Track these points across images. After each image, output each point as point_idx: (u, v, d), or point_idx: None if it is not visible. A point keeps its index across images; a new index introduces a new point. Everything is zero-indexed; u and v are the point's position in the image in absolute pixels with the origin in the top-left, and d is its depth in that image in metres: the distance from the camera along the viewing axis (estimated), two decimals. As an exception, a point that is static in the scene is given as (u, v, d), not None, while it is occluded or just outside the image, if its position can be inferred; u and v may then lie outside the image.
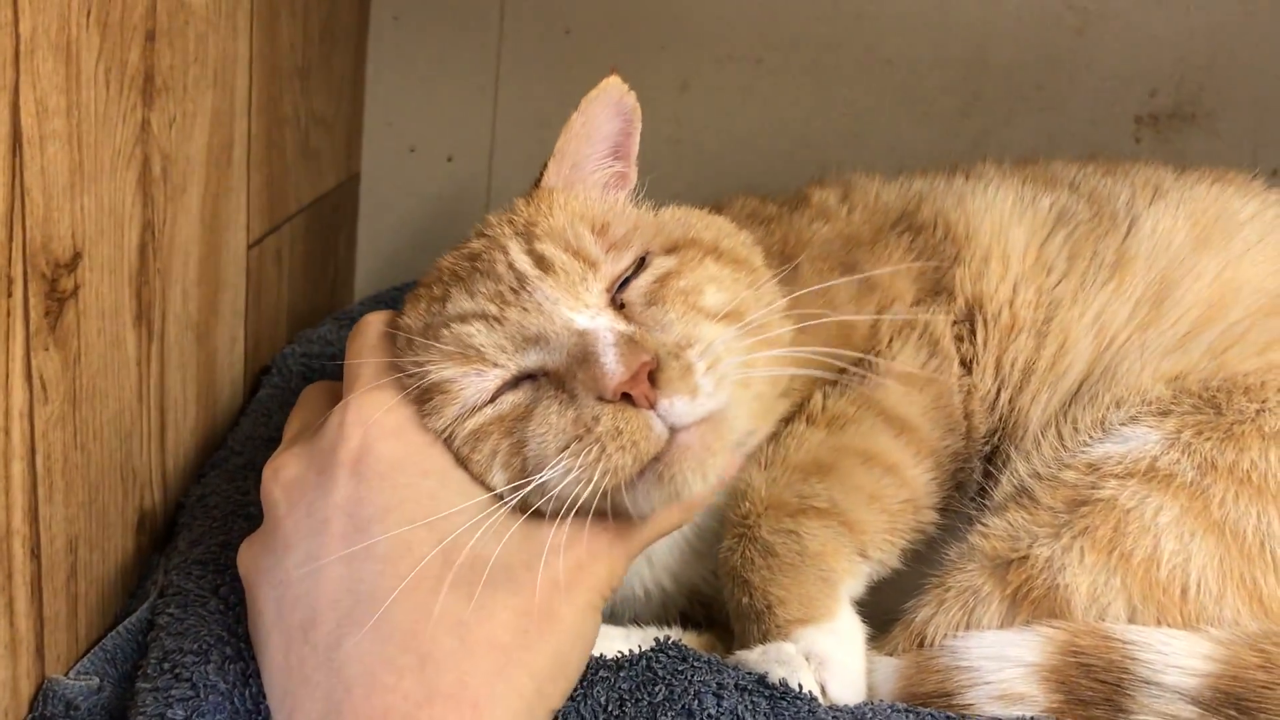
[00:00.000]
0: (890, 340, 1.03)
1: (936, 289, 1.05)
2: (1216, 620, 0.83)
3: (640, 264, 0.84)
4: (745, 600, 0.91)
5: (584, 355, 0.75)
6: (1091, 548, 0.86)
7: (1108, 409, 0.94)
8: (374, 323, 0.85)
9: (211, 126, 1.00)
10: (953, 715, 0.80)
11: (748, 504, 0.94)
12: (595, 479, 0.73)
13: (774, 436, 0.99)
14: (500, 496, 0.75)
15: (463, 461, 0.77)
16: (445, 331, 0.80)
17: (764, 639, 0.88)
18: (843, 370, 1.02)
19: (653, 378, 0.74)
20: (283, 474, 0.76)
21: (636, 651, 0.81)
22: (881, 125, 1.53)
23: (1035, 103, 1.52)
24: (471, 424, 0.77)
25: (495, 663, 0.66)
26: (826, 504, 0.92)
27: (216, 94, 1.00)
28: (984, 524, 0.92)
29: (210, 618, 0.79)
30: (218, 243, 1.05)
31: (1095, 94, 1.51)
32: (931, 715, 0.79)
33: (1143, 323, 0.98)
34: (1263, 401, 0.89)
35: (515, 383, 0.79)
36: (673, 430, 0.75)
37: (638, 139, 0.93)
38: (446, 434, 0.78)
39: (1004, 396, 1.01)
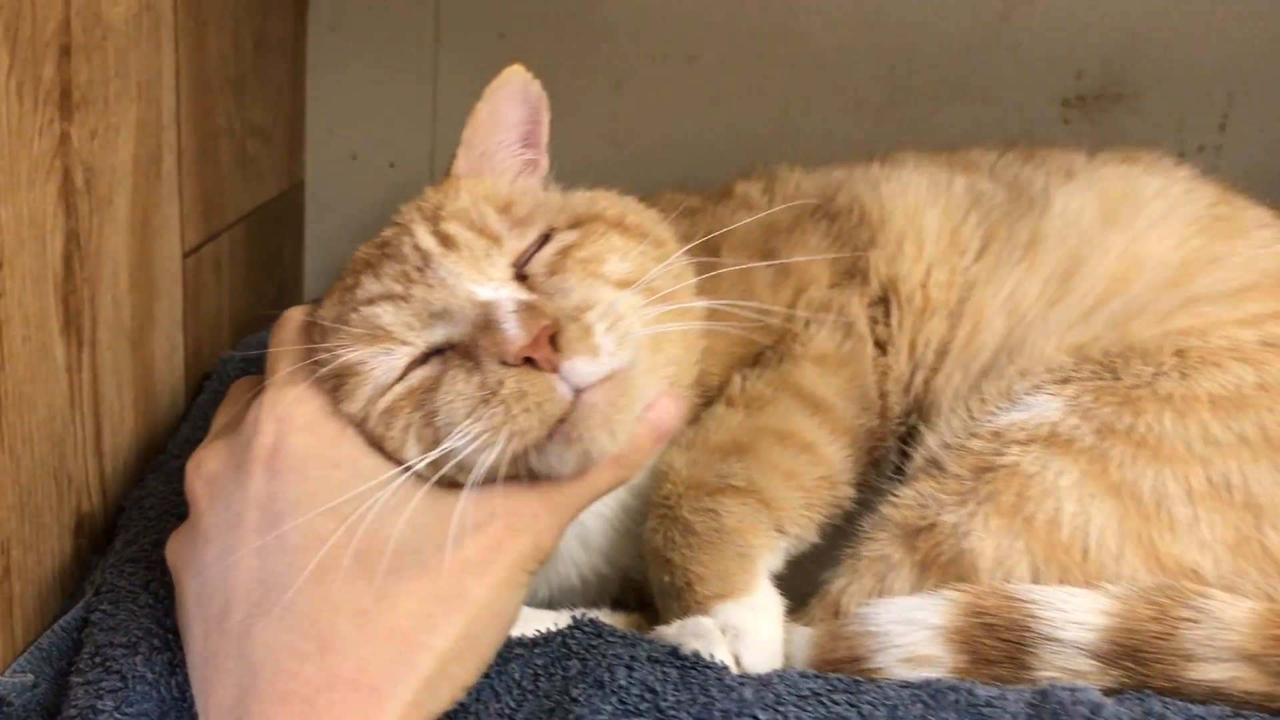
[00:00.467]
0: (807, 323, 1.05)
1: (852, 272, 1.08)
2: (1116, 577, 0.86)
3: (545, 239, 0.87)
4: (667, 579, 0.94)
5: (486, 323, 0.77)
6: (996, 512, 0.89)
7: (1013, 380, 0.97)
8: (294, 316, 0.88)
9: (137, 138, 1.02)
10: (859, 679, 0.82)
11: (669, 485, 0.97)
12: (502, 441, 0.75)
13: (696, 419, 1.02)
14: (416, 476, 0.78)
15: (378, 441, 0.80)
16: (354, 315, 0.82)
17: (684, 614, 0.91)
18: (760, 354, 1.05)
19: (554, 341, 0.76)
20: (204, 468, 0.79)
21: (554, 629, 0.84)
22: (813, 117, 1.56)
23: (964, 89, 1.55)
24: (384, 402, 0.79)
25: (396, 648, 0.68)
26: (744, 482, 0.95)
27: (142, 107, 1.03)
28: (895, 495, 0.95)
29: (140, 612, 0.82)
30: (149, 252, 1.07)
31: (1022, 78, 1.55)
32: (839, 680, 0.81)
33: (1051, 298, 1.01)
34: (1159, 365, 0.92)
35: (424, 358, 0.81)
36: (577, 391, 0.77)
37: (546, 127, 0.96)
38: (361, 416, 0.80)
39: (919, 377, 1.04)
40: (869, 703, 0.77)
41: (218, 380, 1.19)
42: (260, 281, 1.47)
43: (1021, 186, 1.09)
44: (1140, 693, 0.81)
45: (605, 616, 0.96)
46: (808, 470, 0.98)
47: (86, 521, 0.97)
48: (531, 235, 0.87)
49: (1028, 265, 1.02)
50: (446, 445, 0.76)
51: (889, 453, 1.03)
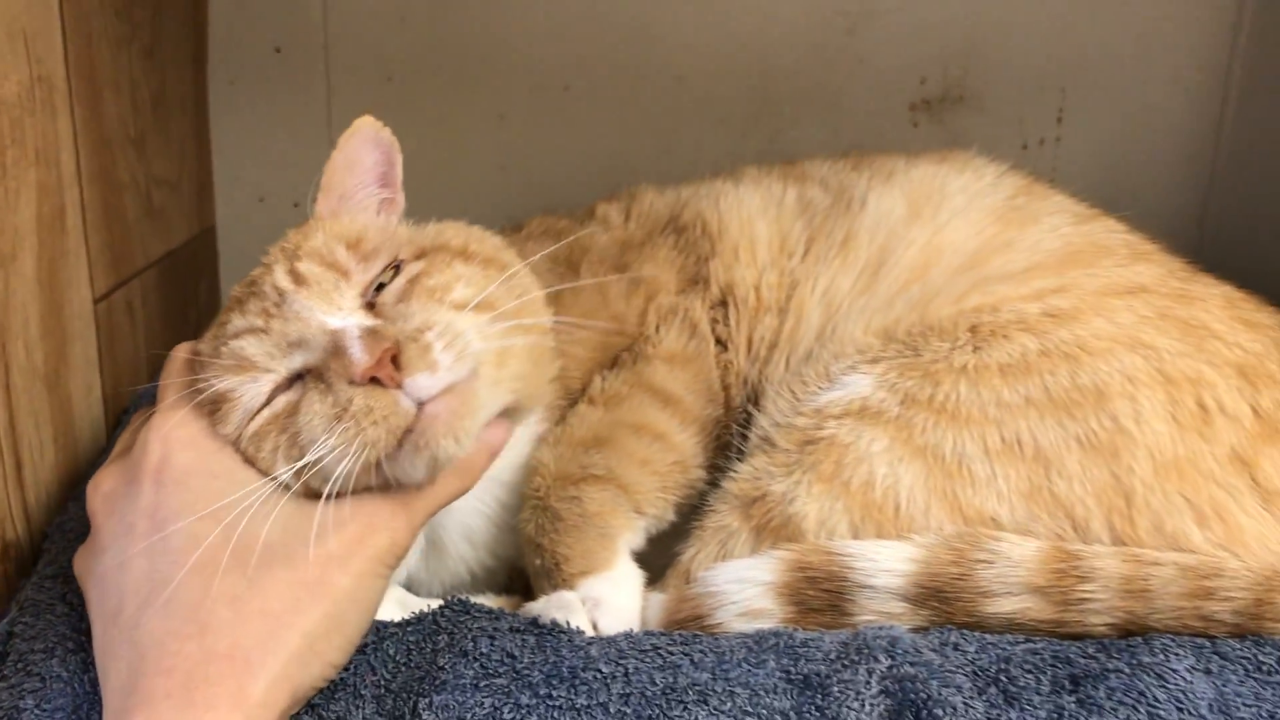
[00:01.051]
0: (657, 326, 1.18)
1: (696, 279, 1.21)
2: (925, 530, 0.97)
3: (395, 271, 0.97)
4: (539, 562, 1.05)
5: (335, 349, 0.87)
6: (817, 479, 1.01)
7: (829, 363, 1.09)
8: (180, 351, 0.98)
9: (39, 198, 1.12)
10: (696, 634, 0.94)
11: (539, 478, 1.08)
12: (354, 452, 0.84)
13: (563, 419, 1.13)
14: (286, 487, 0.89)
15: (250, 461, 0.90)
16: (225, 349, 0.92)
17: (553, 591, 1.03)
18: (617, 356, 1.17)
19: (396, 361, 0.86)
20: (101, 487, 0.90)
21: (426, 610, 0.95)
22: (683, 137, 1.69)
23: (819, 102, 1.68)
24: (253, 426, 0.90)
25: (267, 627, 0.79)
26: (604, 471, 1.07)
27: (41, 170, 1.13)
28: (734, 471, 1.07)
29: (57, 620, 0.92)
30: (59, 300, 1.17)
31: (871, 87, 1.68)
32: (678, 635, 0.92)
33: (862, 289, 1.14)
34: (954, 340, 1.04)
35: (288, 384, 0.91)
36: (420, 404, 0.86)
37: (400, 168, 1.06)
38: (235, 437, 0.91)
39: (755, 369, 1.16)
40: (700, 651, 0.89)
41: (134, 412, 1.29)
42: (177, 321, 1.57)
43: (844, 191, 1.22)
44: (943, 628, 0.93)
45: (490, 600, 1.07)
46: (661, 457, 1.10)
47: (12, 549, 1.07)
48: (378, 266, 0.96)
49: (841, 261, 1.15)
50: (309, 458, 0.86)
51: (733, 438, 1.15)
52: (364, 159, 1.04)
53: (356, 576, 0.84)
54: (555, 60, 1.68)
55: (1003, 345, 1.02)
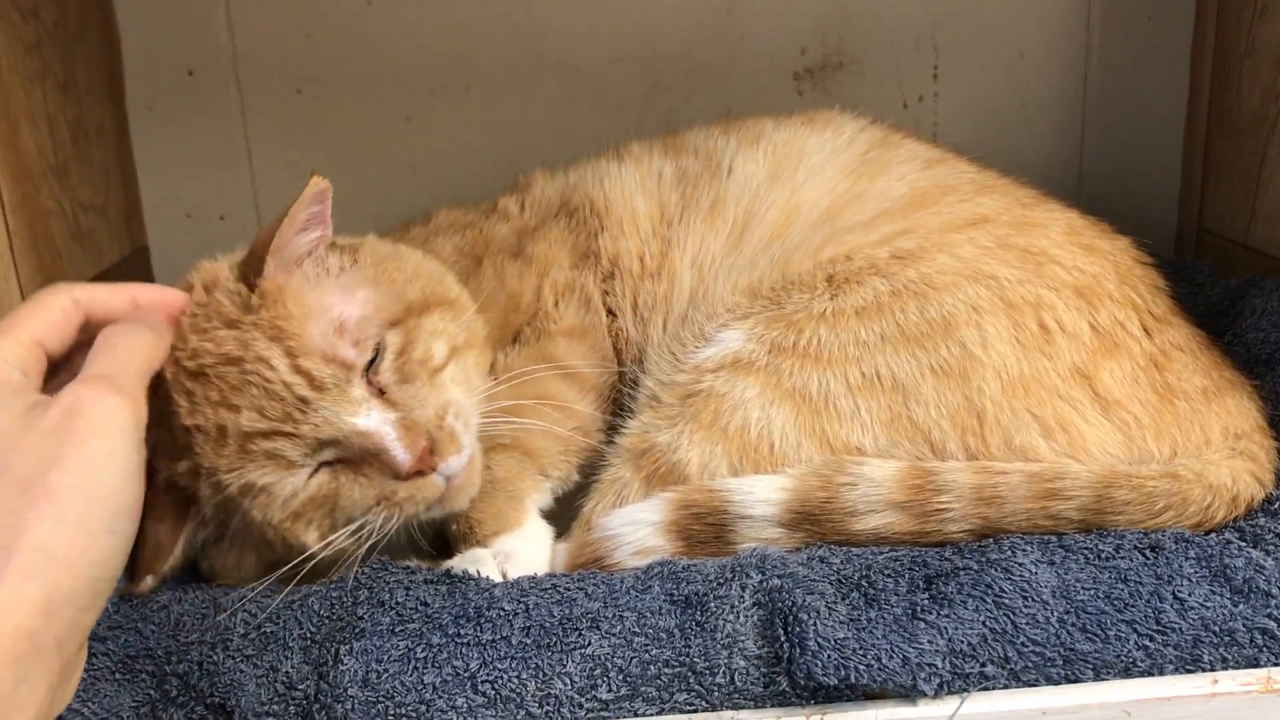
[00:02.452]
0: (556, 302, 1.28)
1: (587, 254, 1.30)
2: (797, 462, 1.08)
3: (379, 349, 1.05)
4: (456, 528, 1.15)
5: (376, 450, 1.00)
6: (698, 428, 1.11)
7: (703, 323, 1.19)
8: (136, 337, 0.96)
9: (-36, 231, 1.21)
10: (591, 572, 1.03)
11: None
12: (395, 523, 1.03)
13: None
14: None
15: (280, 535, 1.03)
16: (252, 446, 0.99)
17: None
18: (518, 331, 1.27)
19: (431, 449, 1.02)
20: None
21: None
22: (581, 124, 1.78)
23: (707, 79, 1.78)
24: (293, 507, 1.01)
25: None
26: (510, 440, 1.17)
27: (-36, 204, 1.22)
28: (626, 427, 1.17)
29: None
30: (-7, 325, 1.26)
31: (755, 61, 1.78)
32: (576, 574, 1.02)
33: (729, 250, 1.23)
34: (813, 291, 1.14)
35: (316, 470, 1.02)
36: (449, 478, 1.04)
37: (330, 203, 1.09)
38: (269, 521, 1.02)
39: (640, 332, 1.26)
40: (593, 584, 0.98)
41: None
42: (115, 339, 1.65)
43: (711, 158, 1.31)
44: (815, 545, 1.03)
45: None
46: (563, 424, 1.20)
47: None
48: (369, 351, 1.04)
49: (709, 225, 1.25)
50: (351, 529, 1.02)
51: (625, 399, 1.25)
52: (307, 215, 1.06)
53: None
54: (455, 62, 1.77)
55: (856, 290, 1.12)
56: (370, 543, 1.02)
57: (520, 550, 1.11)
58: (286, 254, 1.05)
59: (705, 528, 1.05)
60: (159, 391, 0.99)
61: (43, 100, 1.46)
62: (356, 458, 1.01)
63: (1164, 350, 1.14)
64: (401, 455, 1.00)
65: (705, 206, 1.27)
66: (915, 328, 1.09)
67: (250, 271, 1.04)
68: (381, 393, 1.03)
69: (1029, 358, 1.08)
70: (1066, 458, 1.06)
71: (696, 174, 1.31)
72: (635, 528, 1.07)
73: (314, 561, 1.02)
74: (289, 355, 1.00)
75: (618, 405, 1.26)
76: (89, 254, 1.57)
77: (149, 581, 1.03)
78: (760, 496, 1.05)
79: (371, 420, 1.00)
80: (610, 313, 1.29)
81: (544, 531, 1.15)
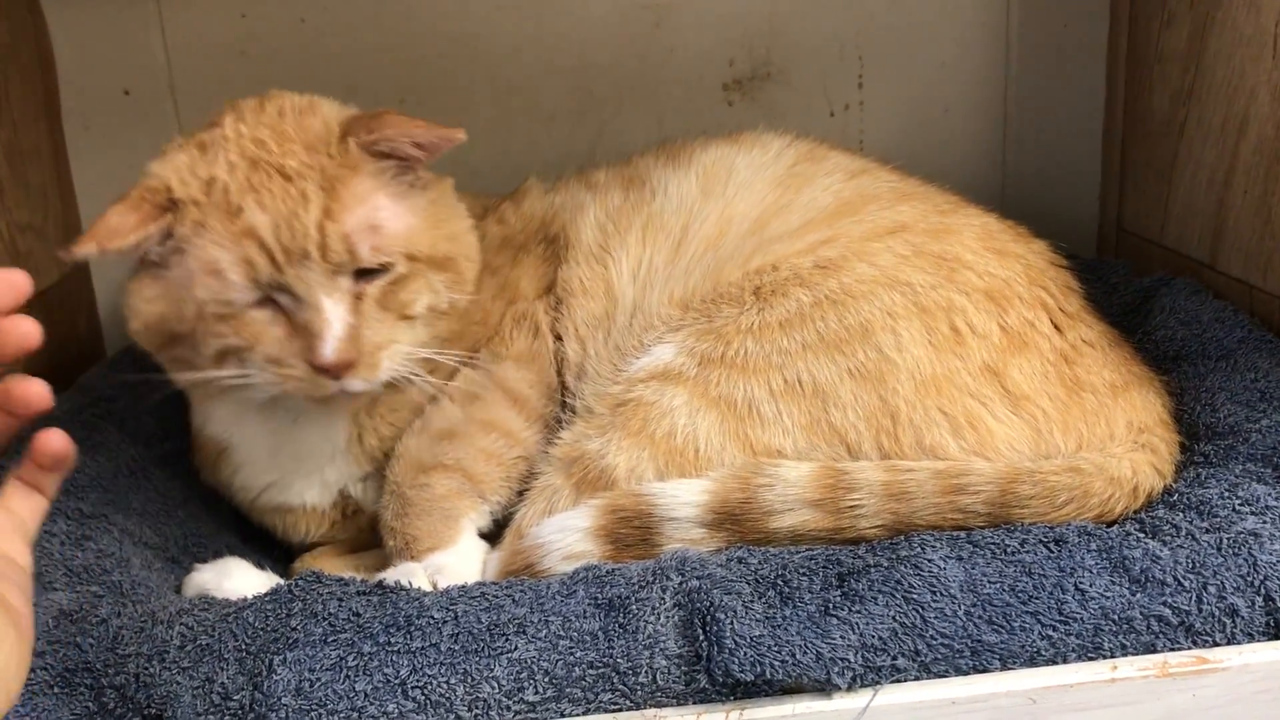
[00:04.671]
0: (510, 331, 1.32)
1: (550, 287, 1.35)
2: (721, 466, 1.12)
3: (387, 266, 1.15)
4: (393, 543, 1.19)
5: (314, 332, 1.11)
6: (626, 435, 1.15)
7: (641, 335, 1.24)
8: None
9: (-100, 255, 1.22)
10: (519, 579, 1.07)
11: (398, 467, 1.23)
12: (272, 392, 1.15)
13: (423, 411, 1.27)
14: None
15: (182, 323, 1.15)
16: (246, 240, 1.11)
17: None
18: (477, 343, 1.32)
19: (349, 366, 1.11)
20: None
21: (283, 584, 1.07)
22: (515, 135, 1.81)
23: (638, 92, 1.81)
24: (222, 311, 1.13)
25: None
26: (452, 462, 1.22)
27: (-101, 229, 1.23)
28: (559, 438, 1.21)
29: None
30: (-70, 349, 1.27)
31: (685, 73, 1.81)
32: (505, 582, 1.05)
33: (665, 265, 1.28)
34: (741, 304, 1.18)
35: (265, 300, 1.13)
36: (341, 390, 1.13)
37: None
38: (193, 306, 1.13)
39: (579, 349, 1.30)
40: (520, 591, 1.02)
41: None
42: (57, 353, 1.66)
43: (647, 181, 1.36)
44: (736, 546, 1.07)
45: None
46: (506, 452, 1.25)
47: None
48: (377, 262, 1.14)
49: (645, 244, 1.30)
50: (242, 371, 1.14)
51: (563, 417, 1.29)
52: (429, 140, 1.21)
53: None
54: (388, 77, 1.79)
55: (781, 303, 1.17)
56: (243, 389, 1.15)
57: (451, 566, 1.15)
58: (391, 146, 1.18)
59: (632, 531, 1.09)
60: (218, 125, 1.19)
61: (-24, 124, 1.48)
62: (298, 323, 1.12)
63: (1074, 346, 1.19)
64: (327, 352, 1.10)
65: (639, 225, 1.32)
66: (835, 334, 1.14)
67: (357, 129, 1.18)
68: (358, 298, 1.13)
69: (941, 359, 1.13)
70: (975, 455, 1.11)
71: (635, 199, 1.36)
72: (564, 534, 1.10)
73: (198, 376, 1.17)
74: (324, 212, 1.12)
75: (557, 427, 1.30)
76: (29, 274, 1.58)
77: (90, 248, 1.12)
78: (684, 499, 1.09)
79: (334, 312, 1.11)
80: (557, 338, 1.33)
81: (477, 548, 1.20)
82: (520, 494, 1.25)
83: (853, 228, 1.23)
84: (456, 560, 1.17)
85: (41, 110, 1.72)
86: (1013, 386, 1.13)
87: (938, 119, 1.88)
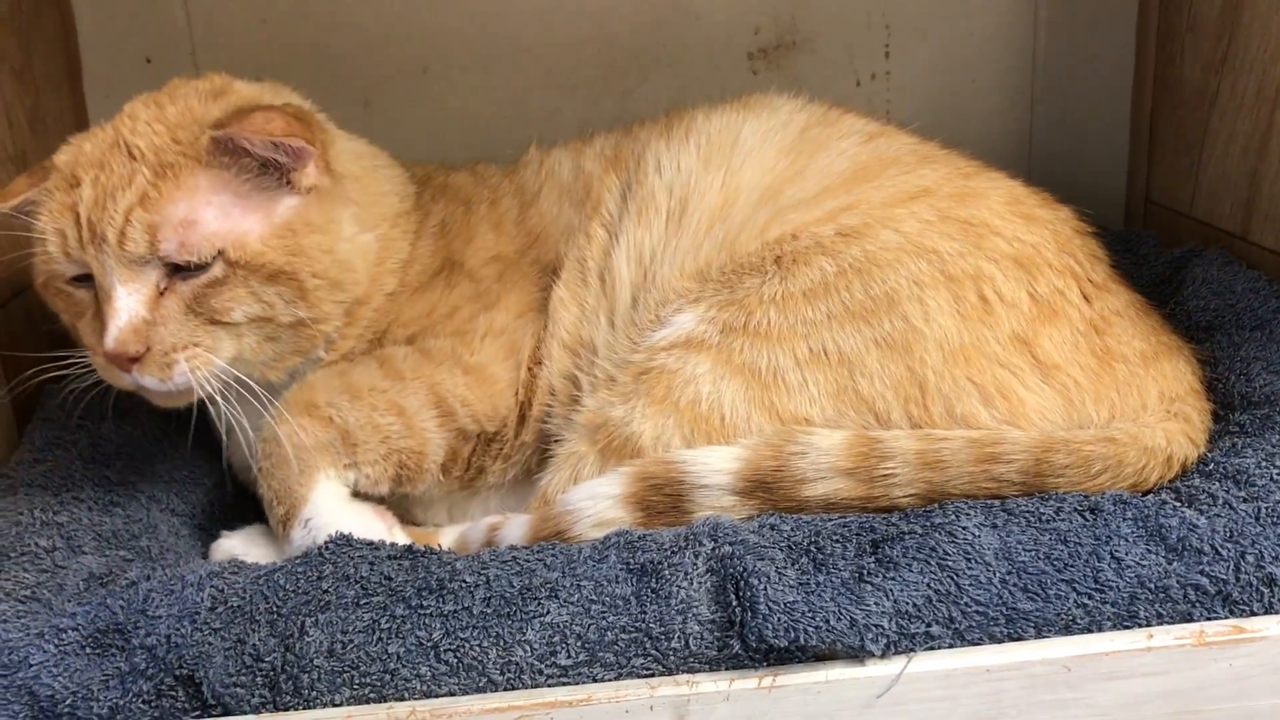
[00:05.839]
0: (485, 335, 1.30)
1: (542, 307, 1.33)
2: (748, 433, 1.11)
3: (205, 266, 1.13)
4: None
5: (104, 319, 1.11)
6: (651, 402, 1.14)
7: (657, 308, 1.22)
8: None
9: (-76, 218, 1.22)
10: (550, 544, 1.06)
11: (291, 394, 1.25)
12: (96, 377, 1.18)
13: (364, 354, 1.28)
14: None
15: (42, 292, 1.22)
16: (78, 210, 1.14)
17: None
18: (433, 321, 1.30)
19: (137, 360, 1.10)
20: None
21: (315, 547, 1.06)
22: (538, 107, 1.80)
23: (662, 60, 1.80)
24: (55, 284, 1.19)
25: None
26: (340, 420, 1.21)
27: (-77, 188, 1.22)
28: (582, 405, 1.20)
29: None
30: (-44, 313, 1.27)
31: (709, 42, 1.80)
32: (536, 547, 1.05)
33: (669, 238, 1.26)
34: (763, 273, 1.17)
35: (82, 277, 1.15)
36: (140, 386, 1.13)
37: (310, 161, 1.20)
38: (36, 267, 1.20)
39: (587, 332, 1.28)
40: (551, 555, 1.01)
41: (43, 411, 1.38)
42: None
43: (643, 159, 1.34)
44: (767, 513, 1.06)
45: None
46: (399, 439, 1.23)
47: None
48: (189, 259, 1.12)
49: (640, 222, 1.28)
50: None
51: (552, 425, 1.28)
52: (283, 142, 1.16)
53: None
54: (413, 45, 1.78)
55: (804, 271, 1.15)
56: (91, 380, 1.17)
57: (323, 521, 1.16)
58: (240, 144, 1.15)
59: (663, 498, 1.08)
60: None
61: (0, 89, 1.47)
62: (101, 305, 1.12)
63: (1103, 316, 1.18)
64: (109, 340, 1.10)
65: (634, 206, 1.30)
66: (860, 304, 1.13)
67: (223, 122, 1.15)
68: (162, 293, 1.12)
69: (969, 328, 1.12)
70: (1006, 424, 1.09)
71: (634, 176, 1.34)
72: (595, 501, 1.09)
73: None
74: (140, 198, 1.12)
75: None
76: (50, 242, 1.58)
77: None
78: (715, 466, 1.08)
79: (124, 302, 1.11)
80: (537, 363, 1.30)
81: (337, 497, 1.19)
82: (400, 482, 1.24)
83: (873, 193, 1.21)
84: (323, 516, 1.16)
85: (64, 77, 1.71)
86: (1043, 356, 1.12)
87: (965, 89, 1.86)
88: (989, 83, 1.87)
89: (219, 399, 1.15)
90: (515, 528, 1.12)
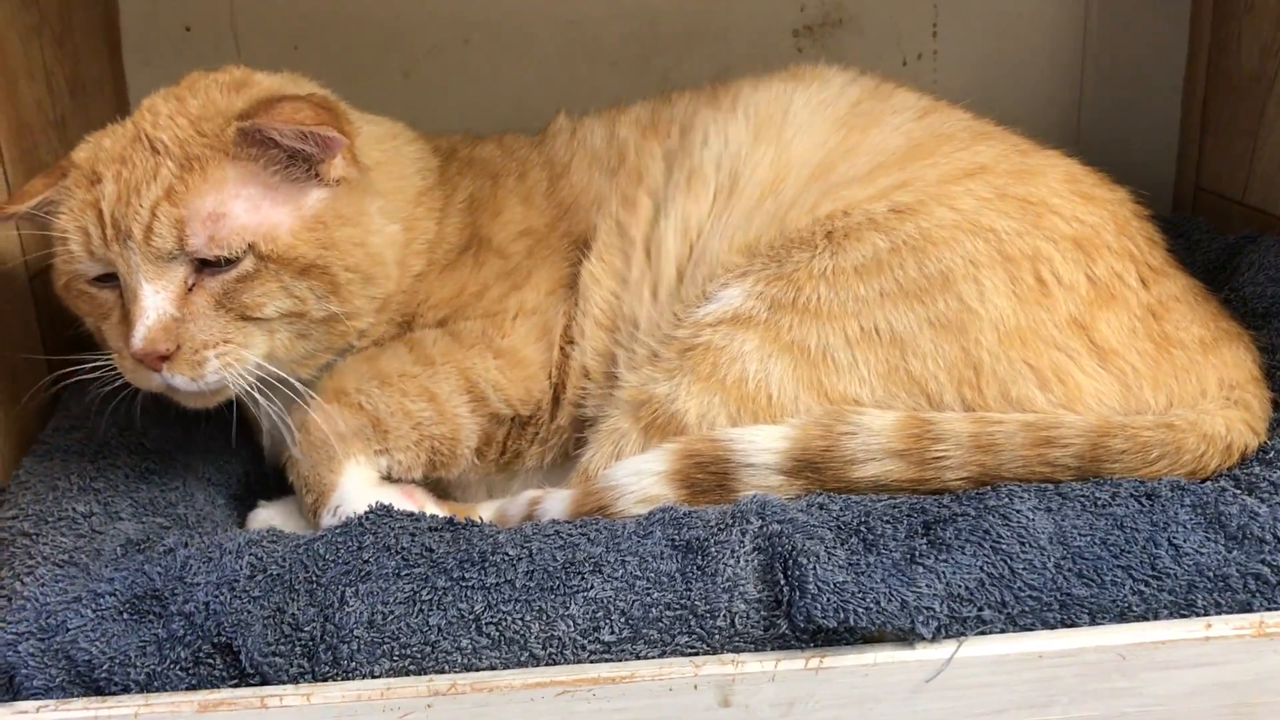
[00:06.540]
0: (516, 316, 1.27)
1: (572, 283, 1.30)
2: (795, 413, 1.09)
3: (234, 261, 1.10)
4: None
5: (132, 317, 1.08)
6: (696, 380, 1.12)
7: (704, 283, 1.20)
8: None
9: (-36, 180, 1.21)
10: (593, 519, 1.04)
11: (326, 380, 1.24)
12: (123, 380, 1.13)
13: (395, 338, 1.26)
14: None
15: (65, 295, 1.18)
16: (101, 207, 1.10)
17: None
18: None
19: (167, 358, 1.07)
20: None
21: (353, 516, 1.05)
22: (579, 82, 1.78)
23: (705, 36, 1.77)
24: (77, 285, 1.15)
25: None
26: (370, 407, 1.20)
27: (-36, 154, 1.21)
28: (624, 382, 1.18)
29: (20, 551, 1.04)
30: (-5, 276, 1.26)
31: (753, 18, 1.77)
32: (578, 521, 1.03)
33: (718, 213, 1.24)
34: (813, 248, 1.14)
35: (106, 277, 1.12)
36: (170, 385, 1.09)
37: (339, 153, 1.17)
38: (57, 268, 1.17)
39: (629, 307, 1.26)
40: (595, 530, 1.00)
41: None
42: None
43: (690, 130, 1.31)
44: (814, 493, 1.04)
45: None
46: (430, 425, 1.21)
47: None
48: (218, 253, 1.09)
49: (689, 193, 1.25)
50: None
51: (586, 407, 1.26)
52: (310, 131, 1.13)
53: None
54: (453, 16, 1.76)
55: (856, 247, 1.13)
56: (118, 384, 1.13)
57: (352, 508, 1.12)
58: (269, 135, 1.11)
59: (708, 476, 1.06)
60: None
61: (40, 54, 1.45)
62: (127, 306, 1.09)
63: (1161, 301, 1.15)
64: (137, 339, 1.06)
65: (683, 178, 1.27)
66: (914, 283, 1.10)
67: (249, 113, 1.11)
68: (190, 289, 1.09)
69: (1026, 310, 1.09)
70: (1062, 409, 1.07)
71: (677, 148, 1.31)
72: (639, 478, 1.07)
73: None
74: (167, 192, 1.08)
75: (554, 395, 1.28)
76: (88, 209, 1.57)
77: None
78: (763, 445, 1.06)
79: (152, 299, 1.08)
80: (570, 342, 1.28)
81: (366, 481, 1.18)
82: (434, 467, 1.23)
83: (928, 170, 1.18)
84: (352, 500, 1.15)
85: (103, 43, 1.70)
86: (1101, 340, 1.09)
87: (1012, 71, 1.83)
88: (1037, 65, 1.84)
89: (255, 395, 1.13)
90: (557, 502, 1.10)
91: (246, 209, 1.10)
